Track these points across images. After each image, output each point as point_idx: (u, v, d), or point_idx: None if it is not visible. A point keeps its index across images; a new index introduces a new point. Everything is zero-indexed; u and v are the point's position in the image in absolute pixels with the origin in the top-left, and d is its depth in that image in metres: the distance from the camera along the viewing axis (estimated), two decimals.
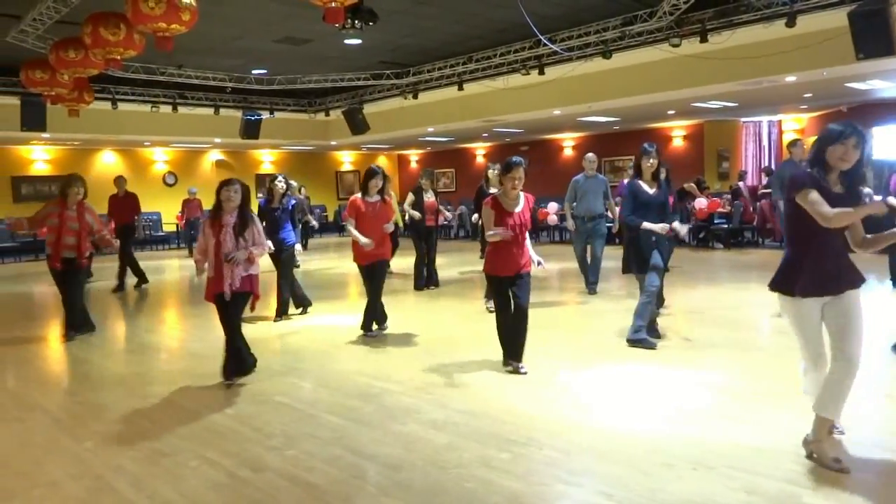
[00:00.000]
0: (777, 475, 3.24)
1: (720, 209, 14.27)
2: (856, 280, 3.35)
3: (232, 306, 5.16)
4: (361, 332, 6.74)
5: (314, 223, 14.16)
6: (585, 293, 8.73)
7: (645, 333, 5.85)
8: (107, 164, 19.06)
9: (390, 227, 6.83)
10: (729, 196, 14.66)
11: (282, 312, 7.91)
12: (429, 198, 9.82)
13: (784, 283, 3.39)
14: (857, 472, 3.28)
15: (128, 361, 6.43)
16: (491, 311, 7.38)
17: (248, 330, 7.33)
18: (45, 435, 4.28)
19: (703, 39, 9.86)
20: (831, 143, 3.27)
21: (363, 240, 6.45)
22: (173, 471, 3.61)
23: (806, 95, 13.23)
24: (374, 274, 6.69)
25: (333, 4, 6.30)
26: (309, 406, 4.65)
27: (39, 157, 18.10)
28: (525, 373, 5.16)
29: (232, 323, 5.20)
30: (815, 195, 3.22)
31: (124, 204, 11.02)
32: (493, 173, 8.89)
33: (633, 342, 5.84)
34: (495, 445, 3.77)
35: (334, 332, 6.96)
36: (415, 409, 4.48)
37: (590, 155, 8.96)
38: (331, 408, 4.58)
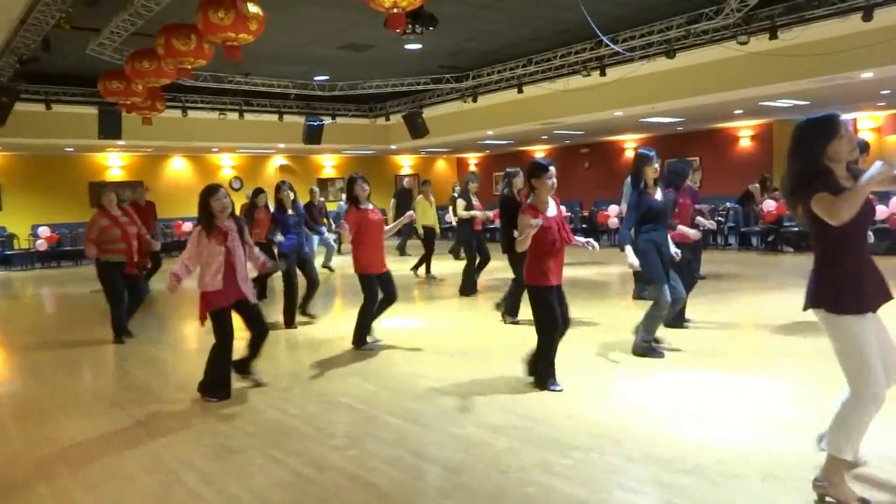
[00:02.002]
0: (854, 487, 3.10)
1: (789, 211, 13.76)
2: (889, 291, 3.03)
3: (257, 311, 5.14)
4: (353, 346, 6.49)
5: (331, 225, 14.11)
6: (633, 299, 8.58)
7: (651, 345, 5.71)
8: (176, 169, 19.80)
9: (412, 216, 6.85)
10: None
11: (303, 313, 7.97)
12: (476, 202, 9.69)
13: (845, 300, 2.94)
14: None
15: (199, 362, 6.63)
16: (510, 324, 7.26)
17: (310, 331, 7.55)
18: (122, 430, 4.47)
19: (773, 36, 9.55)
20: (834, 138, 2.92)
21: (346, 234, 6.29)
22: (241, 468, 3.72)
23: (884, 92, 12.62)
24: (382, 285, 6.40)
25: (395, 10, 6.37)
26: (371, 407, 4.71)
27: (115, 163, 18.94)
28: (561, 390, 4.86)
29: (262, 325, 5.17)
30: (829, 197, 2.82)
31: (146, 213, 11.13)
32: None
33: (643, 353, 5.67)
34: (556, 451, 3.74)
35: (390, 335, 6.99)
36: (474, 412, 4.49)
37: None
38: (392, 409, 4.63)
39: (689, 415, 4.26)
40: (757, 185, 12.64)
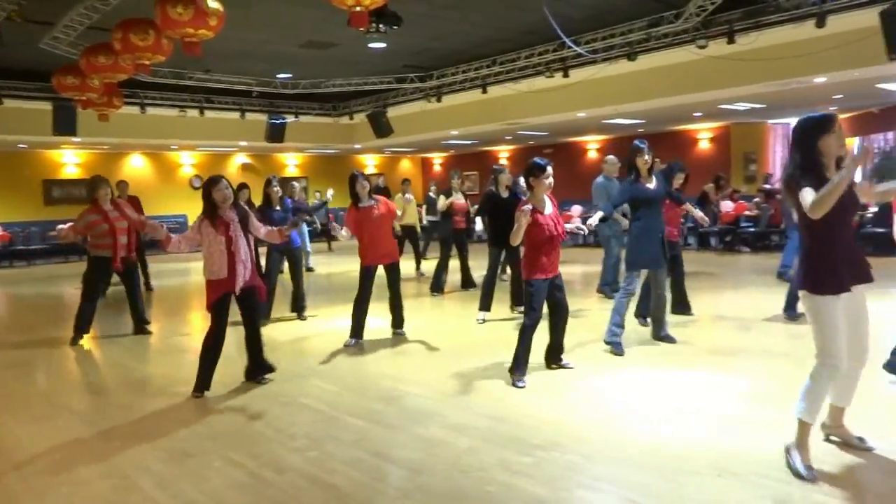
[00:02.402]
0: (805, 483, 3.18)
1: (747, 212, 14.08)
2: (868, 274, 3.37)
3: (251, 304, 5.16)
4: (393, 330, 6.86)
5: (318, 225, 14.02)
6: (605, 297, 8.68)
7: (619, 338, 5.84)
8: (135, 167, 19.36)
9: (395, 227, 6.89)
10: (759, 199, 14.44)
11: (301, 312, 8.06)
12: (459, 199, 9.76)
13: (824, 283, 3.28)
14: (891, 479, 3.22)
15: (156, 363, 6.52)
16: (482, 323, 7.40)
17: (270, 331, 7.45)
18: (74, 434, 4.34)
19: (731, 41, 9.76)
20: (823, 134, 3.26)
21: (343, 233, 6.39)
22: (197, 471, 3.65)
23: (836, 97, 12.99)
24: (388, 277, 6.62)
25: (358, 8, 6.33)
26: (331, 408, 4.66)
27: (70, 160, 18.45)
28: (573, 367, 5.29)
29: (256, 321, 5.27)
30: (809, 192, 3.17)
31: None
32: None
33: (608, 343, 5.87)
34: (517, 450, 3.75)
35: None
36: (437, 412, 4.48)
37: (611, 157, 8.84)
38: (353, 410, 4.59)
39: (648, 412, 4.31)
40: (711, 184, 12.93)
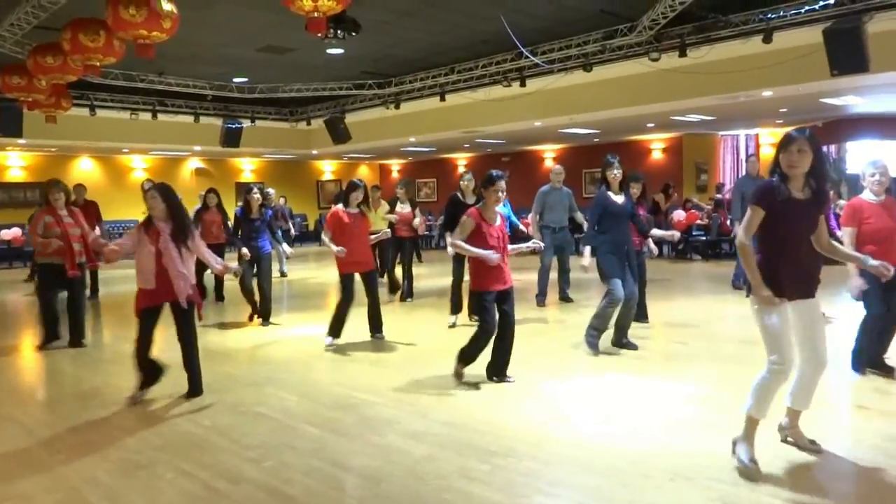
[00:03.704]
0: (756, 486, 3.27)
1: (698, 221, 14.44)
2: (811, 291, 3.49)
3: (185, 318, 4.99)
4: (326, 333, 6.77)
5: (293, 231, 14.07)
6: (556, 303, 8.85)
7: (597, 340, 6.00)
8: (84, 170, 18.83)
9: (388, 233, 7.24)
10: (710, 208, 14.83)
11: (266, 318, 8.04)
12: (403, 208, 9.76)
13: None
14: (837, 482, 3.33)
15: (103, 372, 6.32)
16: (453, 327, 7.50)
17: (224, 338, 7.33)
18: (16, 446, 4.19)
19: (682, 54, 10.00)
20: (780, 151, 3.38)
21: (335, 248, 6.49)
22: (149, 483, 3.56)
23: (782, 110, 13.45)
24: (366, 284, 6.76)
25: (316, 14, 6.29)
26: (287, 417, 4.61)
27: (15, 163, 17.85)
28: (513, 381, 5.22)
29: (190, 337, 5.05)
30: (752, 216, 3.38)
31: (85, 213, 10.68)
32: (465, 183, 8.96)
33: (587, 342, 6.02)
34: (475, 457, 3.77)
35: (313, 343, 6.91)
36: (394, 420, 4.46)
37: (556, 167, 9.13)
38: (310, 419, 4.54)
39: (603, 417, 4.38)
40: (661, 193, 13.22)
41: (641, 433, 4.07)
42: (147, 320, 4.94)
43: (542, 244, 5.75)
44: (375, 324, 6.99)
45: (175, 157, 20.27)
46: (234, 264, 6.26)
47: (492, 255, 4.97)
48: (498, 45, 11.24)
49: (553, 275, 9.05)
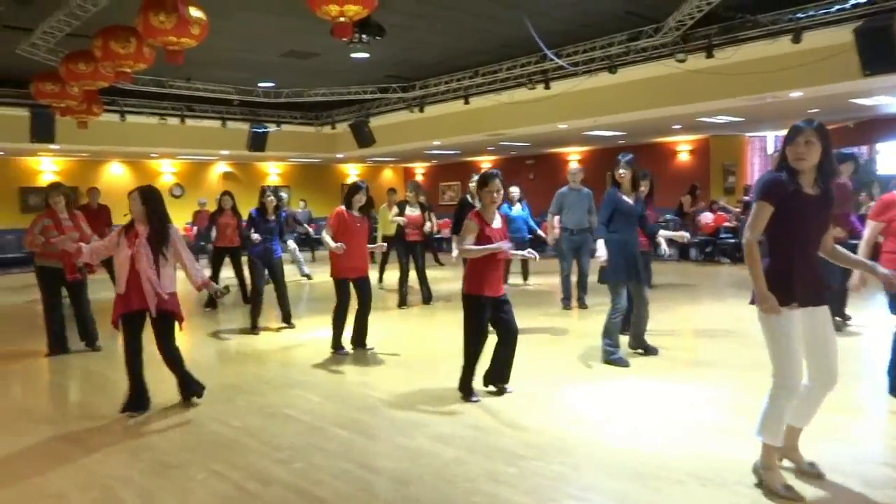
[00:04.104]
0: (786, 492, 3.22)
1: (726, 223, 14.26)
2: (821, 297, 3.26)
3: (160, 328, 4.82)
4: (332, 350, 6.62)
5: (313, 234, 13.99)
6: (576, 308, 8.74)
7: (618, 353, 5.80)
8: (114, 175, 19.14)
9: (384, 247, 6.82)
10: (738, 210, 14.63)
11: (287, 319, 8.09)
12: (413, 211, 9.46)
13: (774, 293, 3.17)
14: (871, 489, 3.27)
15: None
16: None
17: (254, 340, 7.41)
18: (53, 446, 4.28)
19: (709, 55, 9.91)
20: (787, 143, 3.18)
21: (332, 244, 6.35)
22: (181, 483, 3.61)
23: (812, 111, 13.23)
24: (358, 290, 6.59)
25: (342, 19, 6.34)
26: (315, 418, 4.64)
27: (48, 168, 18.19)
28: (512, 391, 5.04)
29: (167, 347, 4.88)
30: (759, 211, 3.18)
31: (98, 216, 10.56)
32: (473, 185, 8.88)
33: (610, 362, 5.77)
34: (503, 460, 3.76)
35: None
36: (421, 422, 4.48)
37: (573, 166, 8.86)
38: (338, 421, 4.57)
39: (630, 422, 4.35)
40: (687, 195, 13.07)
41: (670, 438, 4.03)
42: (128, 328, 4.80)
43: (536, 255, 5.36)
44: (360, 335, 6.71)
45: (203, 162, 20.53)
46: (216, 284, 5.44)
47: (503, 245, 4.81)
48: (521, 47, 11.23)
49: (573, 278, 8.92)
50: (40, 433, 4.54)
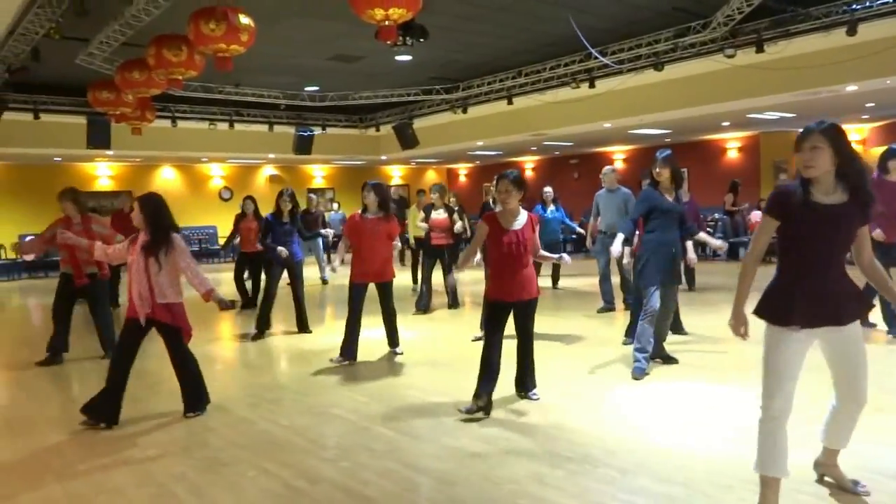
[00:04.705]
0: (842, 497, 3.13)
1: None
2: (838, 317, 2.93)
3: (162, 337, 4.83)
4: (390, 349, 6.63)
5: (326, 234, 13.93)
6: (622, 310, 8.58)
7: (643, 363, 5.46)
8: (166, 179, 19.71)
9: (398, 245, 6.55)
10: None
11: (304, 327, 8.00)
12: (438, 215, 9.21)
13: (771, 310, 2.98)
14: None
15: None
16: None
17: (300, 341, 7.52)
18: (110, 444, 4.42)
19: (759, 50, 9.68)
20: (795, 151, 2.93)
21: (338, 257, 6.51)
22: (232, 480, 3.70)
23: (868, 105, 12.80)
24: (379, 296, 6.45)
25: (387, 22, 6.41)
26: (361, 418, 4.69)
27: (103, 173, 18.84)
28: (537, 398, 4.93)
29: (171, 356, 4.88)
30: (761, 226, 3.04)
31: (129, 221, 10.85)
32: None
33: (638, 375, 5.43)
34: (549, 462, 3.75)
35: (379, 346, 6.94)
36: (467, 424, 4.48)
37: (606, 168, 8.56)
38: (384, 421, 4.62)
39: (678, 426, 4.28)
40: (729, 192, 12.72)
41: (719, 442, 3.96)
42: (124, 333, 4.82)
43: (568, 259, 5.17)
44: (390, 339, 6.62)
45: (250, 165, 20.97)
46: (226, 298, 5.20)
47: (470, 257, 4.90)
48: (565, 46, 11.15)
49: (615, 279, 8.76)
50: (98, 430, 4.69)
